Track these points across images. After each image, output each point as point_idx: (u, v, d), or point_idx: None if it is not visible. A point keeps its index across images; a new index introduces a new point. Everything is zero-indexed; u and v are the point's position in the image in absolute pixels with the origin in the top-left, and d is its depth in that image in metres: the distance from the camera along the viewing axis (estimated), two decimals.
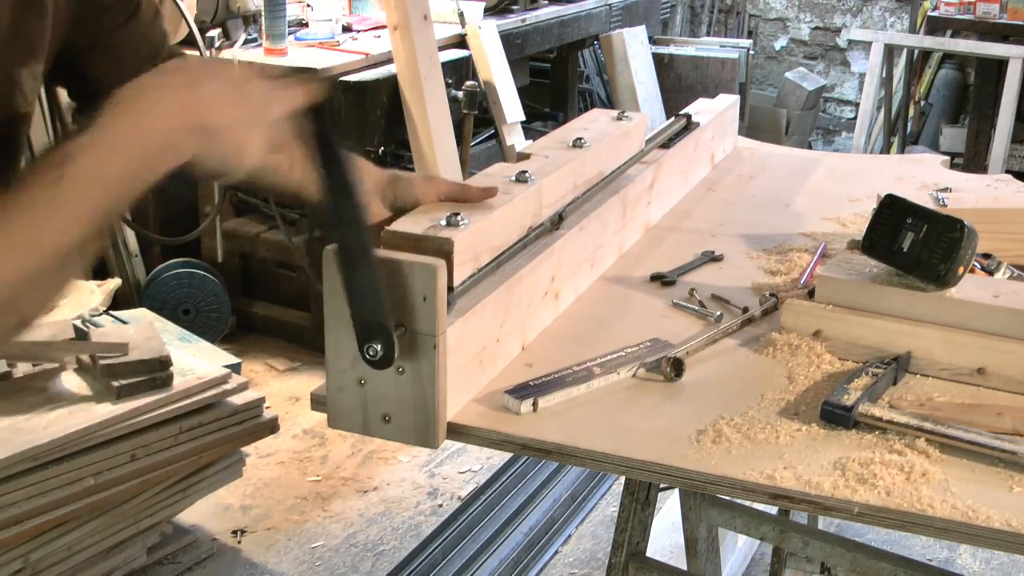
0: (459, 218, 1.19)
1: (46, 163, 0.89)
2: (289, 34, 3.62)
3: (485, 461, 3.15)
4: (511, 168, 1.41)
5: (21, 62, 1.07)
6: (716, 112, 2.11)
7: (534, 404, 1.18)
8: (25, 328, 0.93)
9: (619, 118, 1.72)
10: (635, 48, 5.04)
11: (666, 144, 1.86)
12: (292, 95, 0.98)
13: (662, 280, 1.55)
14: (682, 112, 2.01)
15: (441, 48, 3.68)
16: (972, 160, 5.50)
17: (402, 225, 1.19)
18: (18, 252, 0.85)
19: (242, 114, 0.95)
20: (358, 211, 1.04)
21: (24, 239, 0.85)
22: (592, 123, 1.69)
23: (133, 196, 0.91)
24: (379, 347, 1.06)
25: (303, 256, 3.66)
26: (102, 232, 0.91)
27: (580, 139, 1.56)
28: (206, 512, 2.83)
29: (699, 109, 2.10)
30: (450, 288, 1.14)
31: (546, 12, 4.51)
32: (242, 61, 3.17)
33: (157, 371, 2.43)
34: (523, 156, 1.50)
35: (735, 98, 2.25)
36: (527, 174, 1.38)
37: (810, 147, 6.10)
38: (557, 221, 1.43)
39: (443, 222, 1.19)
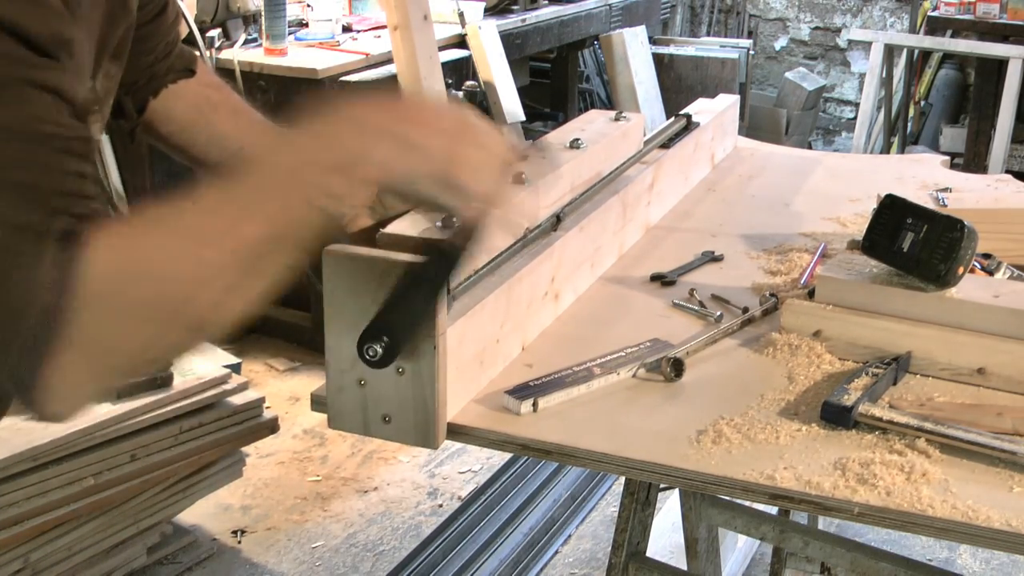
0: (454, 220, 1.19)
1: (228, 168, 0.87)
2: (289, 34, 3.62)
3: (485, 461, 3.15)
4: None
5: (101, 65, 1.06)
6: (716, 112, 2.11)
7: (534, 404, 1.18)
8: (203, 336, 0.87)
9: (617, 119, 1.72)
10: (635, 48, 5.04)
11: (666, 144, 1.86)
12: (498, 160, 0.92)
13: (662, 280, 1.55)
14: (682, 112, 2.01)
15: (441, 48, 3.68)
16: (972, 160, 5.50)
17: (397, 227, 1.18)
18: (188, 244, 0.81)
19: (448, 144, 0.89)
20: (457, 259, 0.97)
21: (195, 231, 0.82)
22: (589, 124, 1.69)
23: (330, 205, 0.85)
24: (379, 348, 1.06)
25: None
26: (289, 242, 0.84)
27: (577, 140, 1.56)
28: (206, 512, 2.83)
29: (699, 109, 2.10)
30: (447, 290, 1.14)
31: (546, 12, 4.51)
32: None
33: (157, 371, 2.43)
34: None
35: (735, 98, 2.25)
36: (524, 175, 1.38)
37: (810, 147, 6.10)
38: (555, 223, 1.43)
39: (438, 224, 1.19)
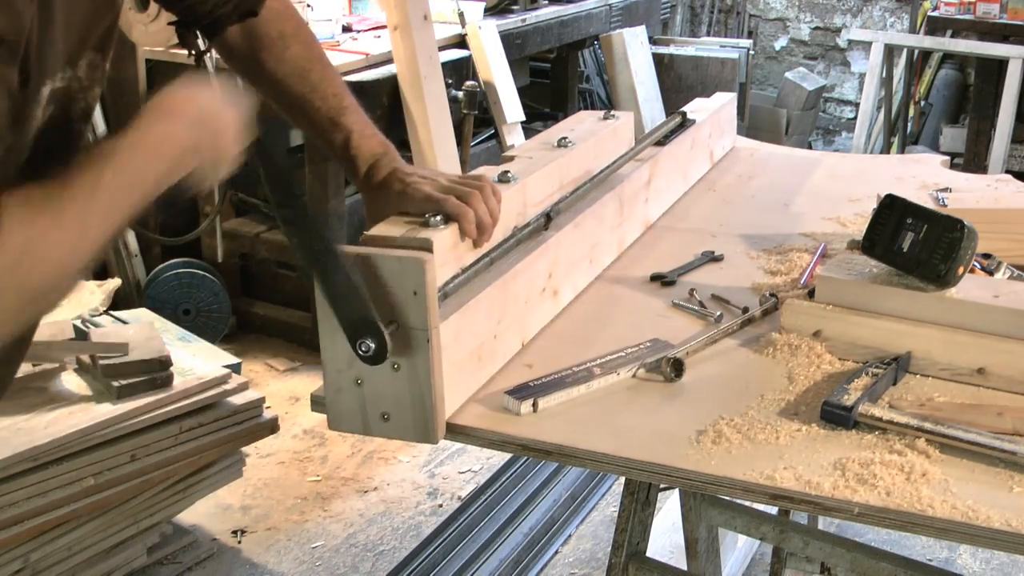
0: (438, 220, 1.20)
1: (92, 155, 0.97)
2: None
3: (485, 461, 3.15)
4: (493, 169, 1.42)
5: (83, 55, 1.11)
6: (712, 109, 2.11)
7: (534, 405, 1.18)
8: (42, 314, 1.00)
9: (606, 118, 1.73)
10: (635, 48, 5.04)
11: (661, 141, 1.86)
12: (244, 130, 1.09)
13: (662, 280, 1.55)
14: (678, 111, 2.02)
15: (441, 48, 3.68)
16: (972, 160, 5.49)
17: (379, 229, 1.20)
18: (74, 236, 0.92)
19: (228, 143, 1.06)
20: (312, 219, 1.10)
21: (81, 222, 0.92)
22: (579, 124, 1.71)
23: (149, 201, 1.00)
24: (371, 343, 1.07)
25: None
26: (122, 231, 0.98)
27: (565, 139, 1.57)
28: (206, 512, 2.83)
29: (695, 107, 2.10)
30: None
31: (546, 12, 4.50)
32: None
33: (157, 371, 2.43)
34: (507, 158, 1.51)
35: (732, 95, 2.25)
36: (509, 174, 1.39)
37: (810, 147, 6.10)
38: (546, 221, 1.43)
39: (419, 223, 1.20)
